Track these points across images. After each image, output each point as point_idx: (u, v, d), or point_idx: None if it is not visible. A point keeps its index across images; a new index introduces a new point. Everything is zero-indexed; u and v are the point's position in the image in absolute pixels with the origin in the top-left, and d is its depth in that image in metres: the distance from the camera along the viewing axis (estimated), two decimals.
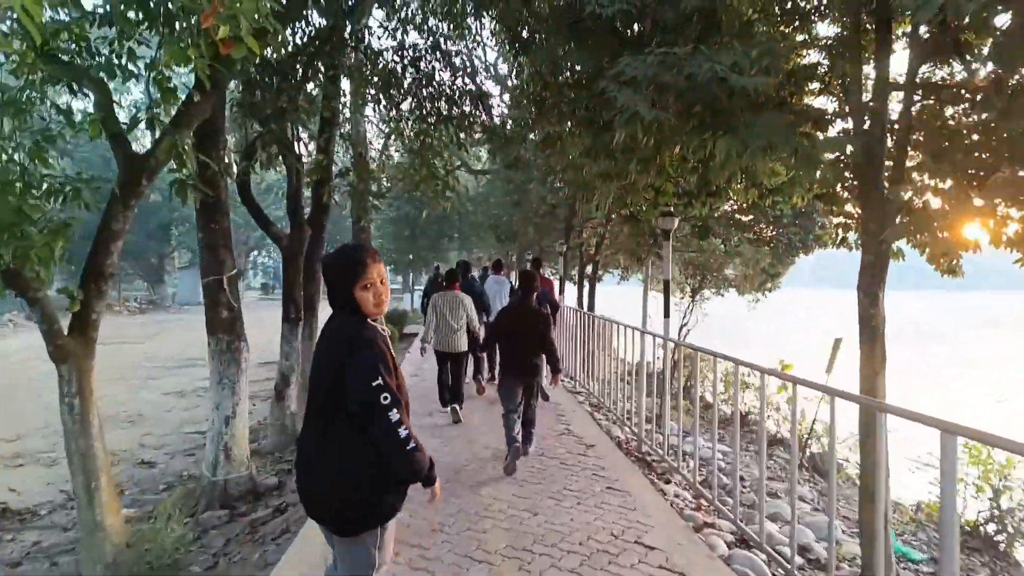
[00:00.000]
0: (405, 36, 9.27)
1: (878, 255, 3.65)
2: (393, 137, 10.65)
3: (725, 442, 8.64)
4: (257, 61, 6.44)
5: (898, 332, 4.72)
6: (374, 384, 2.08)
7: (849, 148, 4.28)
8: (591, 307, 14.54)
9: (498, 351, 6.16)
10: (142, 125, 4.16)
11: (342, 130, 10.64)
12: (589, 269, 15.84)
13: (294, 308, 7.92)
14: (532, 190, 15.99)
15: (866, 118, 3.85)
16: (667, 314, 7.57)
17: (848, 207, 5.71)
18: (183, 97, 4.60)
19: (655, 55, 3.49)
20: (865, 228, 3.79)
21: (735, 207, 13.16)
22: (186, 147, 4.20)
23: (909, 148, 3.86)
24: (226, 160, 6.15)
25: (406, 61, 8.79)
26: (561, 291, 15.24)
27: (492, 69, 17.13)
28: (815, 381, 3.43)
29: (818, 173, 3.69)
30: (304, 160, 8.77)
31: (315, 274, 9.22)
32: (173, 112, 4.44)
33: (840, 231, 5.97)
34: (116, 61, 4.05)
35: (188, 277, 43.03)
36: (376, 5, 8.93)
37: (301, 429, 2.40)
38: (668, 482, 5.79)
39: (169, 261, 45.44)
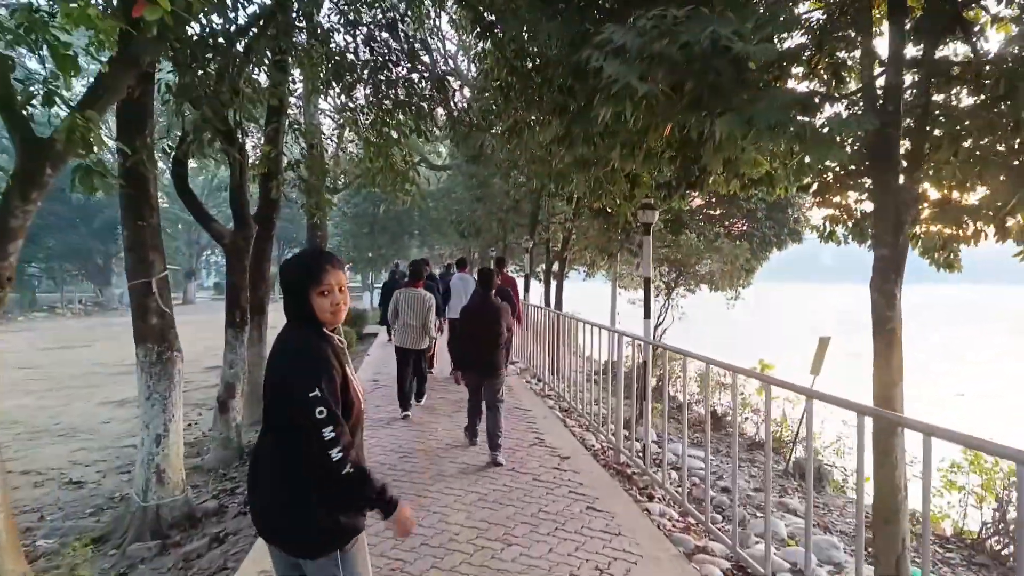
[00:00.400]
0: (359, 17, 8.61)
1: (895, 248, 3.24)
2: (348, 128, 9.96)
3: (702, 447, 8.25)
4: (188, 33, 5.77)
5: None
6: (310, 395, 1.91)
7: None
8: (558, 305, 14.07)
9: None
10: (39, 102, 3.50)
11: (293, 120, 9.92)
12: (556, 266, 15.36)
13: (239, 312, 7.22)
14: (496, 184, 15.45)
15: (880, 96, 3.42)
16: (647, 314, 7.09)
17: (837, 198, 5.34)
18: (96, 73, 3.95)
19: (648, 19, 3.00)
20: (881, 218, 3.37)
21: (707, 201, 12.87)
22: (93, 129, 3.53)
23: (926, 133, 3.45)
24: (154, 149, 5.46)
25: (359, 40, 8.15)
26: (526, 289, 14.70)
27: (451, 61, 16.54)
28: (837, 396, 2.98)
29: (830, 156, 3.22)
30: (252, 152, 8.07)
31: (264, 274, 8.53)
32: (77, 88, 3.80)
33: (829, 224, 5.60)
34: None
35: None
36: None
37: (258, 438, 2.20)
38: (651, 498, 5.34)
39: (116, 261, 43.66)
